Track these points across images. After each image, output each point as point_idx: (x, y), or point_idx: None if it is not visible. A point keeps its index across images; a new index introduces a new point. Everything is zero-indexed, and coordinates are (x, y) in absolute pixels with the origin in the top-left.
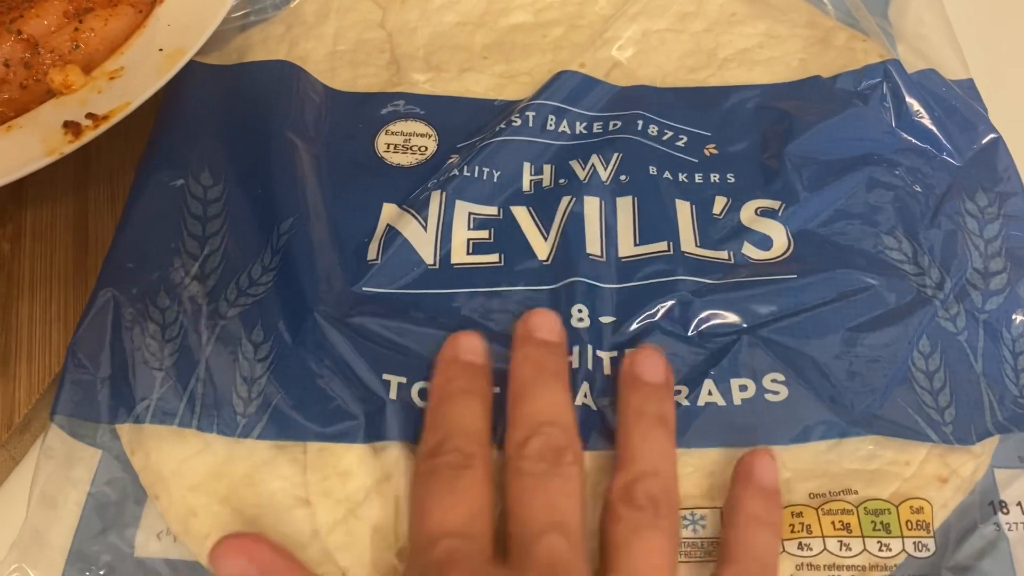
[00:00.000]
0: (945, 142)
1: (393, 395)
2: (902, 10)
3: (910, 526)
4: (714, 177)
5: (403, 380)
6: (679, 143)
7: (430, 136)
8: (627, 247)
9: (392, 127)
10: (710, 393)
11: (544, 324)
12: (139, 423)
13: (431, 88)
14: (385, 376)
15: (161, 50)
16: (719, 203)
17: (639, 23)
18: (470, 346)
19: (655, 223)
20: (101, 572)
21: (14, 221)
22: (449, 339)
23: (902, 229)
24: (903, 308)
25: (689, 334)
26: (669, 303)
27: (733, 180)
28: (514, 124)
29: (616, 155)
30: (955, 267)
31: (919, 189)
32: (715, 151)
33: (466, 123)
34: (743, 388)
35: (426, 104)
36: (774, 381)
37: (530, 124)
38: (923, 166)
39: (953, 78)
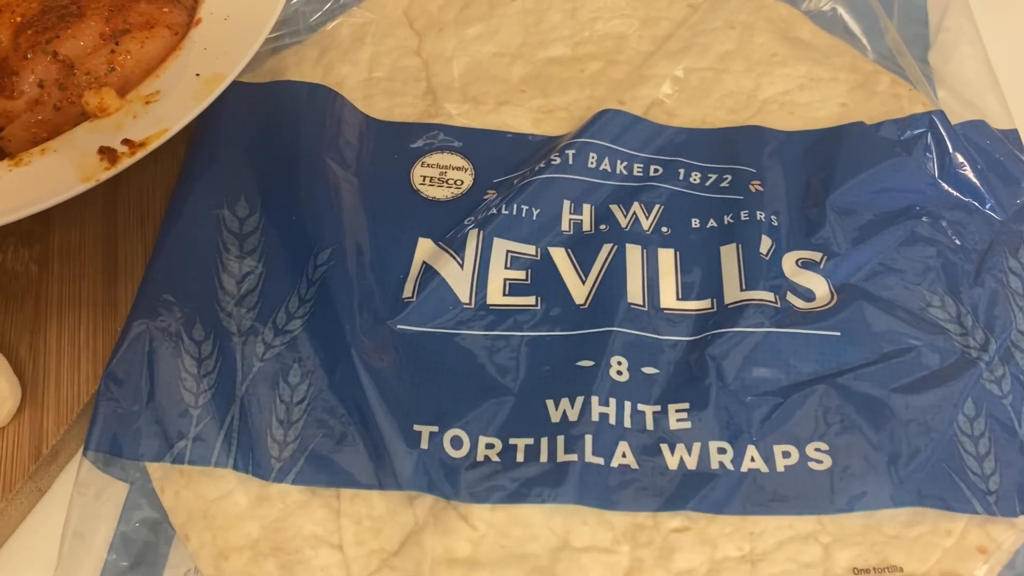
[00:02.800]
0: (988, 196)
1: (425, 445)
2: (945, 56)
3: None
4: (760, 215)
5: (435, 429)
6: (723, 184)
7: (466, 170)
8: (669, 299)
9: (428, 159)
10: (752, 460)
11: None
12: (177, 463)
13: (467, 121)
14: (416, 427)
15: (198, 75)
16: (765, 243)
17: (678, 61)
18: None
19: (698, 279)
20: None
21: (41, 242)
22: None
23: (944, 286)
24: (948, 369)
25: (733, 389)
26: (712, 356)
27: (777, 224)
28: (554, 163)
29: (658, 206)
30: (999, 328)
31: (960, 243)
32: (760, 187)
33: (503, 158)
34: (786, 455)
35: (463, 137)
36: (817, 450)
37: (571, 162)
38: (965, 220)
39: (997, 127)
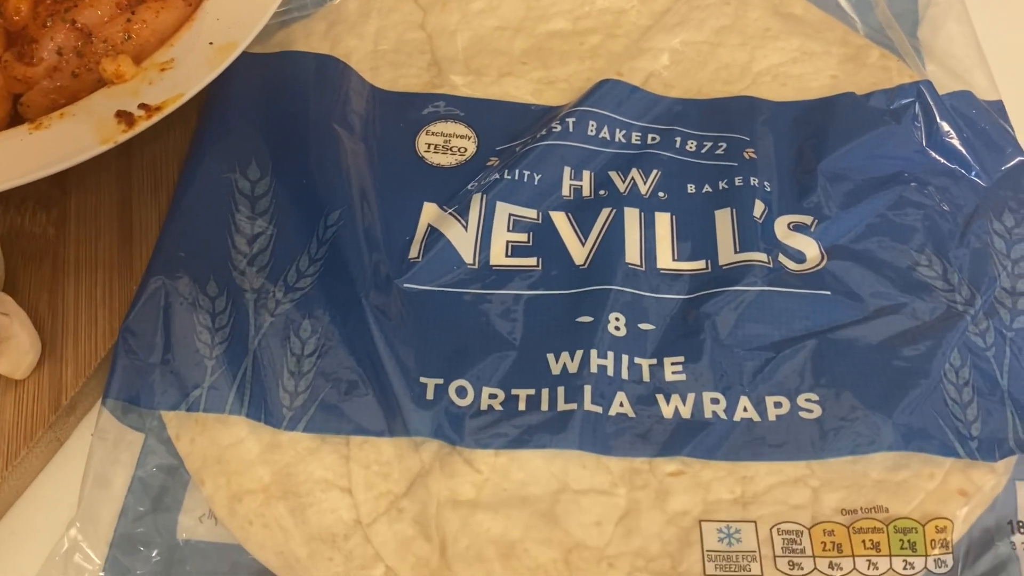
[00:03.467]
0: (973, 163)
1: (431, 396)
2: (934, 30)
3: (934, 544)
4: (754, 181)
5: (440, 381)
6: (718, 151)
7: (469, 138)
8: (665, 260)
9: (433, 128)
10: (745, 410)
11: None
12: (192, 411)
13: (471, 91)
14: (423, 379)
15: (211, 43)
16: (758, 207)
17: (675, 34)
18: None
19: (693, 241)
20: (142, 549)
21: (59, 206)
22: None
23: (932, 247)
24: (935, 322)
25: (726, 344)
26: (706, 313)
27: (769, 189)
28: (555, 130)
29: (655, 172)
30: (985, 285)
31: (947, 208)
32: (754, 155)
33: (505, 126)
34: (778, 405)
35: (466, 106)
36: (808, 400)
37: (571, 130)
38: (951, 186)
39: (983, 99)
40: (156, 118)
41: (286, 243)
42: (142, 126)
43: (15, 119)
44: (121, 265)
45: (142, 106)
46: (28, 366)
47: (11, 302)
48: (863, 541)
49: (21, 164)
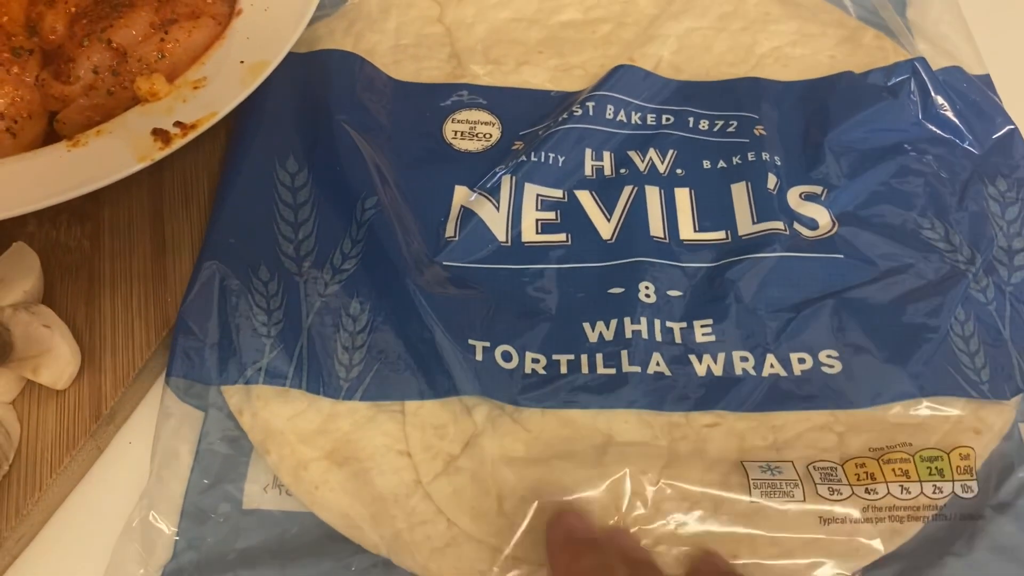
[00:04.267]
0: (967, 132)
1: (479, 357)
2: (923, 11)
3: (959, 471)
4: (765, 155)
5: (487, 344)
6: (730, 129)
7: (493, 124)
8: (687, 231)
9: (457, 116)
10: (772, 366)
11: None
12: (251, 384)
13: (491, 80)
14: (471, 341)
15: (242, 62)
16: (771, 180)
17: (681, 22)
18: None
19: (712, 213)
20: (212, 517)
21: (93, 220)
22: (550, 525)
23: (933, 211)
24: (940, 281)
25: (750, 306)
26: (730, 279)
27: (780, 163)
28: (576, 114)
29: (672, 151)
30: (983, 245)
31: (945, 175)
32: (764, 132)
33: (527, 112)
34: (801, 361)
35: (488, 95)
36: (829, 356)
37: (590, 114)
38: (948, 155)
39: (972, 73)
40: (192, 136)
41: (328, 229)
42: (178, 143)
43: (50, 136)
44: (155, 277)
45: (177, 124)
46: (69, 377)
47: (51, 314)
48: (893, 470)
49: (61, 181)
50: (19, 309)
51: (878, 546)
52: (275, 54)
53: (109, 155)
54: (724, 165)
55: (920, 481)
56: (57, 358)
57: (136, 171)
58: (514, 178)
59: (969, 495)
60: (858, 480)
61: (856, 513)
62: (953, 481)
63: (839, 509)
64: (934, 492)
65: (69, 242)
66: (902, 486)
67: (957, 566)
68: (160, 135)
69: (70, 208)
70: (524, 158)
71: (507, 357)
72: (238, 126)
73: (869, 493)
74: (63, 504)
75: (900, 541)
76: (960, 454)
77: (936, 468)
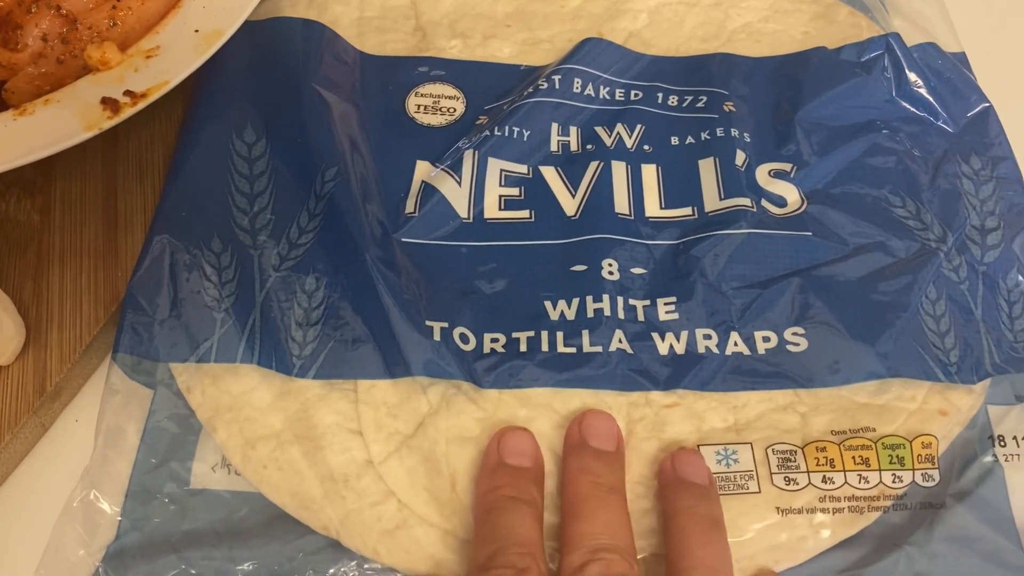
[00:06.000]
0: (941, 110)
1: (437, 337)
2: None
3: (920, 459)
4: (734, 132)
5: (445, 325)
6: (699, 104)
7: (458, 98)
8: (653, 208)
9: (421, 89)
10: (736, 344)
11: (600, 430)
12: (203, 362)
13: (457, 53)
14: (428, 322)
15: (197, 31)
16: (740, 156)
17: None
18: (517, 447)
19: (679, 190)
20: (158, 497)
21: (44, 193)
22: (493, 440)
23: (905, 190)
24: (911, 259)
25: (715, 284)
26: (696, 256)
27: (749, 140)
28: (542, 87)
29: (640, 126)
30: (956, 223)
31: (918, 153)
32: (733, 108)
33: (492, 87)
34: (766, 339)
35: (453, 68)
36: (795, 334)
37: (557, 87)
38: (921, 133)
39: (948, 51)
40: (141, 105)
41: (285, 201)
42: (127, 113)
43: None
44: (106, 252)
45: (127, 93)
46: (12, 352)
47: None
48: (853, 457)
49: (6, 150)
50: None
51: (833, 536)
52: (230, 23)
53: (56, 124)
54: (692, 141)
55: (880, 470)
56: (0, 333)
57: (83, 140)
58: (477, 153)
59: (930, 483)
60: (817, 465)
61: (813, 503)
62: (914, 470)
63: (795, 502)
64: (893, 481)
65: (19, 216)
66: (860, 475)
67: (915, 556)
68: (109, 104)
69: (20, 181)
70: (488, 132)
71: (465, 339)
72: (194, 97)
73: (826, 483)
74: (4, 483)
75: (855, 530)
76: (922, 442)
77: (897, 456)
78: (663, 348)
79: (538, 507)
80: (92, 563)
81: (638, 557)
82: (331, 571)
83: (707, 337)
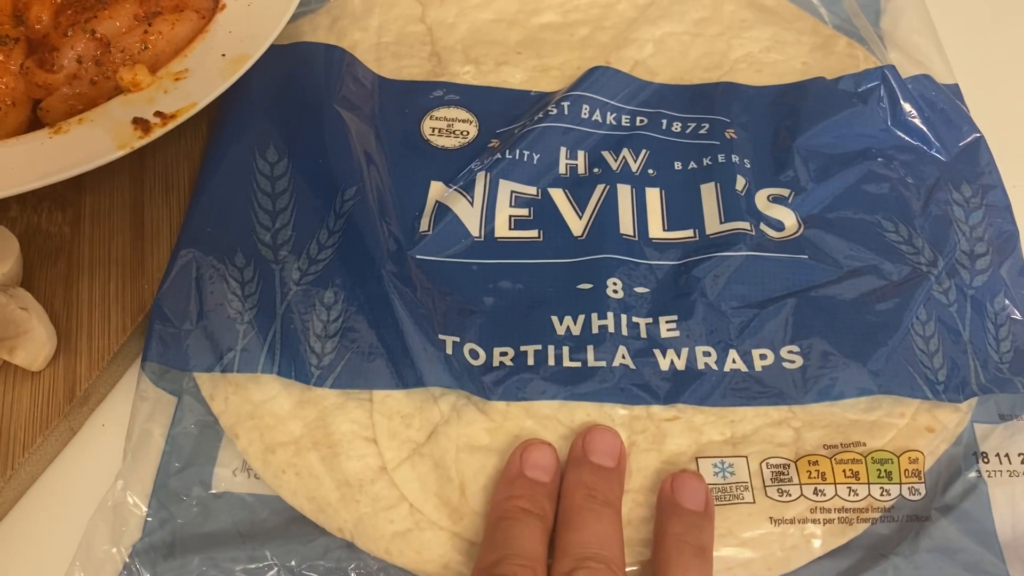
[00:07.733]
0: (934, 140)
1: (449, 351)
2: (895, 21)
3: (907, 474)
4: (735, 158)
5: (456, 339)
6: (701, 131)
7: (471, 122)
8: (656, 230)
9: (436, 113)
10: (734, 361)
11: (603, 447)
12: (227, 372)
13: (471, 79)
14: (441, 336)
15: (224, 55)
16: (740, 182)
17: (659, 26)
18: (539, 461)
19: (681, 213)
20: (184, 499)
21: (74, 207)
22: (516, 451)
23: (898, 215)
24: (903, 282)
25: (715, 303)
26: (696, 276)
27: (749, 166)
28: (551, 113)
29: (645, 151)
30: (946, 248)
31: (911, 181)
32: (734, 135)
33: (504, 111)
34: (763, 357)
35: (467, 93)
36: (790, 352)
37: (566, 113)
38: (914, 161)
39: (941, 82)
40: (171, 125)
41: (306, 218)
42: (157, 133)
43: (34, 124)
44: (133, 263)
45: (158, 114)
46: (44, 359)
47: (29, 297)
48: (844, 471)
49: (42, 167)
50: None
51: (823, 545)
52: (256, 48)
53: (90, 142)
54: (695, 166)
55: (869, 484)
56: (33, 340)
57: (116, 158)
58: (489, 175)
59: (917, 497)
60: (809, 478)
61: (805, 514)
62: (901, 484)
63: (788, 512)
64: (882, 494)
65: (50, 228)
66: (850, 488)
67: (901, 566)
68: (140, 124)
69: (52, 195)
70: (500, 155)
71: (474, 355)
72: (219, 117)
73: (818, 495)
74: (35, 484)
75: (844, 541)
76: (909, 458)
77: (885, 471)
78: (664, 364)
79: (548, 521)
80: (121, 559)
81: (638, 562)
82: (346, 571)
83: (706, 354)
